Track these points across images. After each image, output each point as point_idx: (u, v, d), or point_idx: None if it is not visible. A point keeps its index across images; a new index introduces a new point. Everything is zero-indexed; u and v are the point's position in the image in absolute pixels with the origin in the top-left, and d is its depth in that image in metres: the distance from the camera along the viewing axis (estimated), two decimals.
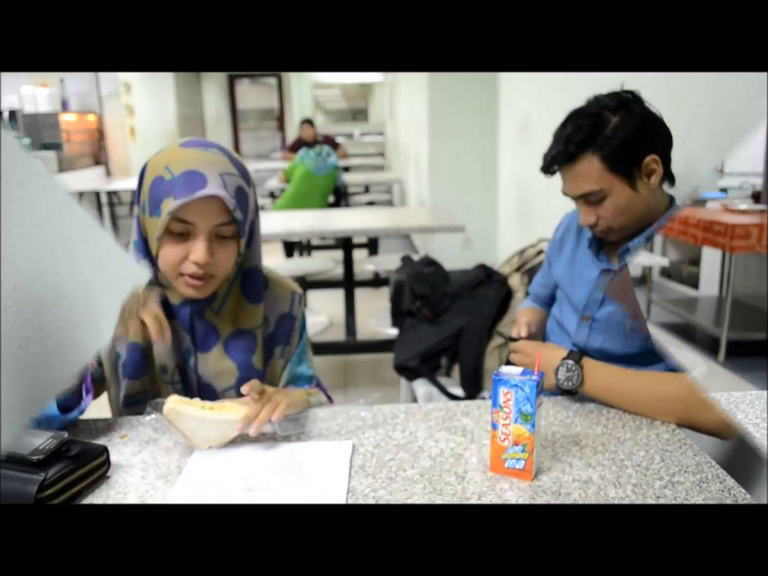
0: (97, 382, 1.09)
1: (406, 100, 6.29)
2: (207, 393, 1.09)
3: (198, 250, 0.98)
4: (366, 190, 7.57)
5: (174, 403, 0.94)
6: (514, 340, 1.25)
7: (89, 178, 5.55)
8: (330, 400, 1.22)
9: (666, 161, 1.16)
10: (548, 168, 1.21)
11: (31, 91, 5.36)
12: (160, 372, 1.07)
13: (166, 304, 1.06)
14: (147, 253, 1.03)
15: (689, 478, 0.85)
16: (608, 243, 1.27)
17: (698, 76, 1.34)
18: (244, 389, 0.97)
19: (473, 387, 1.91)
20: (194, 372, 1.09)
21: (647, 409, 1.03)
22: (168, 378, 1.07)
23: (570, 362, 1.07)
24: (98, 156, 5.95)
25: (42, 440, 0.84)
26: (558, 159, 1.17)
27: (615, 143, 1.11)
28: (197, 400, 0.96)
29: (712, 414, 0.97)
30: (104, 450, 0.89)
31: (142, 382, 1.08)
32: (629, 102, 1.13)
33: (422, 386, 2.00)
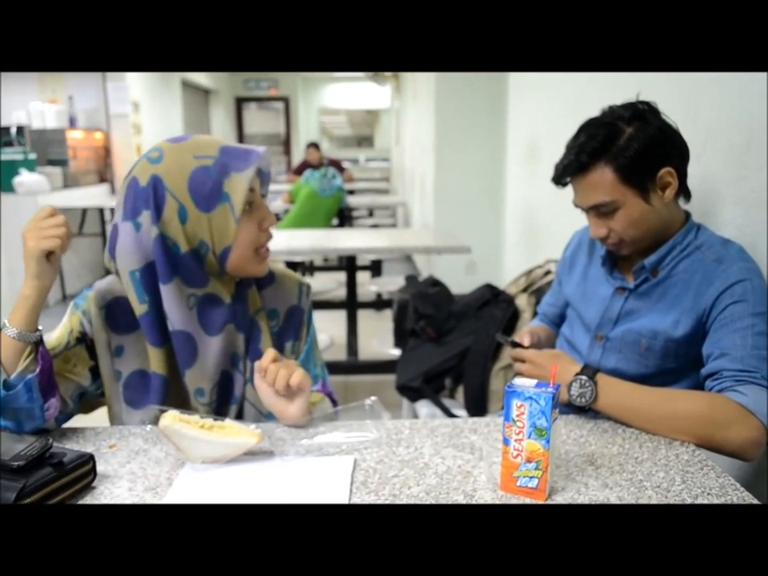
0: (82, 398, 1.03)
1: (412, 126, 6.31)
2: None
3: (270, 216, 1.02)
4: (370, 213, 7.58)
5: (172, 421, 0.88)
6: (518, 345, 1.18)
7: (94, 195, 5.53)
8: (335, 404, 1.19)
9: (682, 175, 1.13)
10: (559, 179, 1.17)
11: (40, 107, 5.37)
12: (196, 395, 1.02)
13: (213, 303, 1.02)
14: (174, 266, 0.96)
15: (712, 501, 0.79)
16: (622, 260, 1.23)
17: (714, 89, 1.31)
18: (265, 359, 0.97)
19: (477, 409, 1.86)
20: (242, 387, 1.06)
21: (664, 427, 0.97)
22: (206, 400, 1.02)
23: (584, 377, 1.02)
24: (104, 173, 5.96)
25: (24, 445, 0.79)
26: (569, 169, 1.13)
27: (629, 154, 1.07)
28: (196, 417, 0.89)
29: (734, 434, 0.92)
30: (90, 459, 0.83)
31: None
32: (644, 112, 1.10)
33: (424, 407, 1.94)
